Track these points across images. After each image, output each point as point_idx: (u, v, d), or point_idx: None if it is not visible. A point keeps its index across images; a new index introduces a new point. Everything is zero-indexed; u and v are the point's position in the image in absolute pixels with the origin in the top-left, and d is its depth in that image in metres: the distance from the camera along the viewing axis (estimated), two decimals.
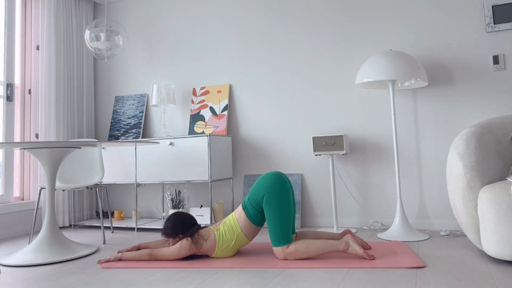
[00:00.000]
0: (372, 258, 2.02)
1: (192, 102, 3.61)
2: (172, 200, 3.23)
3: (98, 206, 3.93)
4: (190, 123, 3.55)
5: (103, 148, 3.46)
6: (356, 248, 2.04)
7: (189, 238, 2.18)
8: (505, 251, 1.83)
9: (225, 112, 3.43)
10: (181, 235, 2.24)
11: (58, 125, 3.53)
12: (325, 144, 2.84)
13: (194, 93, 3.63)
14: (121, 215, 3.66)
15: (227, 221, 2.23)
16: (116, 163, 3.43)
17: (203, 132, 3.45)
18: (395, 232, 2.56)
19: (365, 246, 2.25)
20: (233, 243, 2.18)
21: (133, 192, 3.85)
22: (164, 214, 3.68)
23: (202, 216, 3.17)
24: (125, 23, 4.04)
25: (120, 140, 3.08)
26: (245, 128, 3.43)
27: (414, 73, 2.55)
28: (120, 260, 2.20)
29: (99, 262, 2.20)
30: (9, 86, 3.34)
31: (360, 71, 2.71)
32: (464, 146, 2.08)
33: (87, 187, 2.88)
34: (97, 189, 2.98)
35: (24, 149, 2.46)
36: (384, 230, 2.82)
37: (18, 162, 3.45)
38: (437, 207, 2.81)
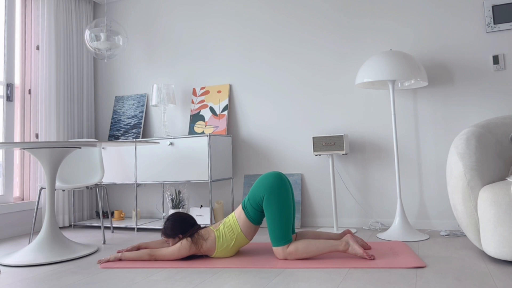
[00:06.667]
0: (372, 258, 2.02)
1: (192, 102, 3.61)
2: (172, 200, 3.23)
3: (98, 206, 3.93)
4: (190, 123, 3.55)
5: (103, 148, 3.46)
6: (356, 248, 2.04)
7: (189, 238, 2.18)
8: (505, 251, 1.83)
9: (225, 112, 3.43)
10: (181, 235, 2.24)
11: (58, 125, 3.53)
12: (325, 144, 2.84)
13: (194, 93, 3.63)
14: (121, 215, 3.66)
15: (226, 221, 2.23)
16: (116, 163, 3.43)
17: (203, 132, 3.45)
18: (395, 232, 2.56)
19: (365, 246, 2.25)
20: (233, 243, 2.18)
21: (133, 192, 3.85)
22: (164, 214, 3.68)
23: (202, 216, 3.17)
24: (125, 23, 4.04)
25: (120, 140, 3.08)
26: (245, 128, 3.43)
27: (414, 73, 2.55)
28: (120, 260, 2.20)
29: (99, 262, 2.21)
30: (9, 86, 3.34)
31: (360, 71, 2.71)
32: (464, 146, 2.08)
33: (87, 187, 2.88)
34: (97, 189, 2.98)
35: (24, 149, 2.46)
36: (384, 230, 2.82)
37: (18, 162, 3.45)
38: (437, 207, 2.81)
